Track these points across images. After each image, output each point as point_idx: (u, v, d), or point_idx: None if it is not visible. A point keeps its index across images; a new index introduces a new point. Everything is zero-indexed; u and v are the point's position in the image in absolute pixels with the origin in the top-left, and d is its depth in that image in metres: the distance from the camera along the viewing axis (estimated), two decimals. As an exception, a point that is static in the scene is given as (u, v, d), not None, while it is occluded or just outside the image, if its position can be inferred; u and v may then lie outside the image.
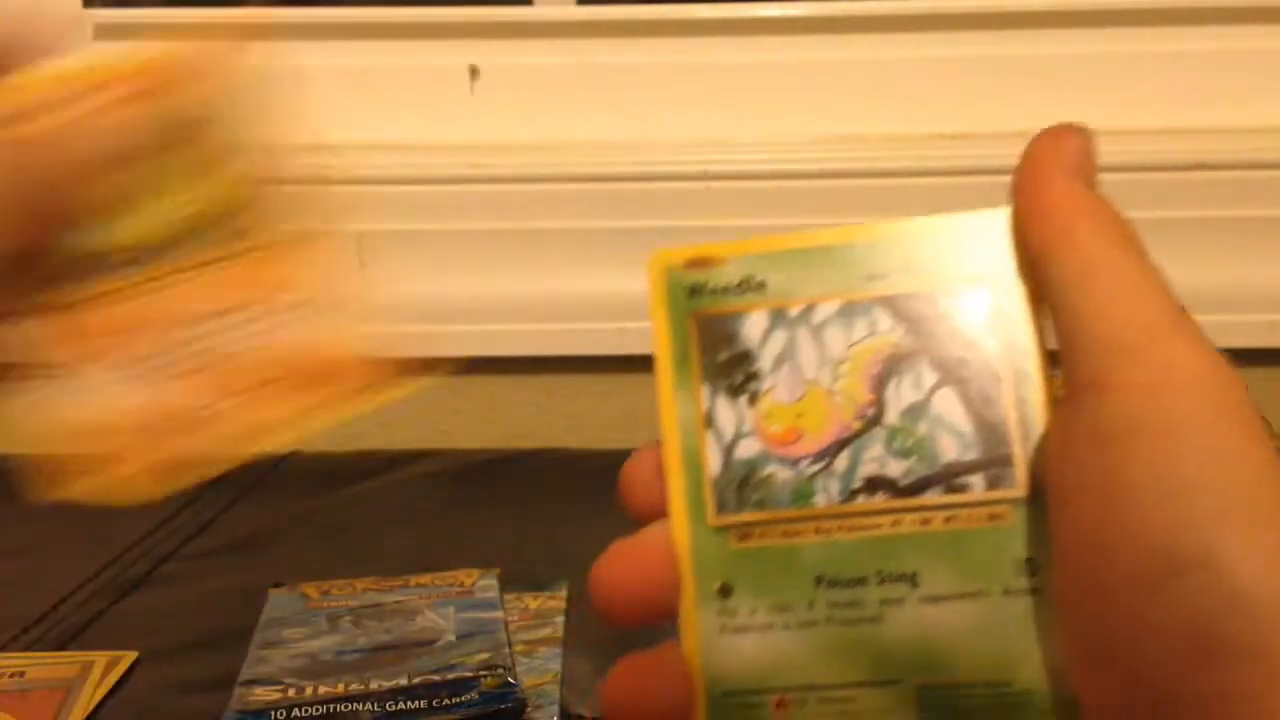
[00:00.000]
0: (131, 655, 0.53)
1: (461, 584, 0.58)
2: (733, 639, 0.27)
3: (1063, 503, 0.25)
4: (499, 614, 0.54)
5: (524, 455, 0.78)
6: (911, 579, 0.27)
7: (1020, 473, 0.27)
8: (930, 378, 0.27)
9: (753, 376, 0.28)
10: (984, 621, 0.26)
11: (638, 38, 0.88)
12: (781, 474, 0.27)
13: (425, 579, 0.58)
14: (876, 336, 0.28)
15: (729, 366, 0.28)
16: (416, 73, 0.87)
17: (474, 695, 0.47)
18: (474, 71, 0.88)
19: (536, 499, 0.71)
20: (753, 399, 0.28)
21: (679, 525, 0.28)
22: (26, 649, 0.54)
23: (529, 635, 0.53)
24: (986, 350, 0.27)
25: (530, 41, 0.88)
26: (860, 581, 0.27)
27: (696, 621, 0.27)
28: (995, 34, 0.86)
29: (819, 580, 0.27)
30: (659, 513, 0.28)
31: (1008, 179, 0.27)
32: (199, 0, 0.91)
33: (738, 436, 0.28)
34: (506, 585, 0.58)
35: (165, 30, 0.92)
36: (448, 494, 0.73)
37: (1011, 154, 0.27)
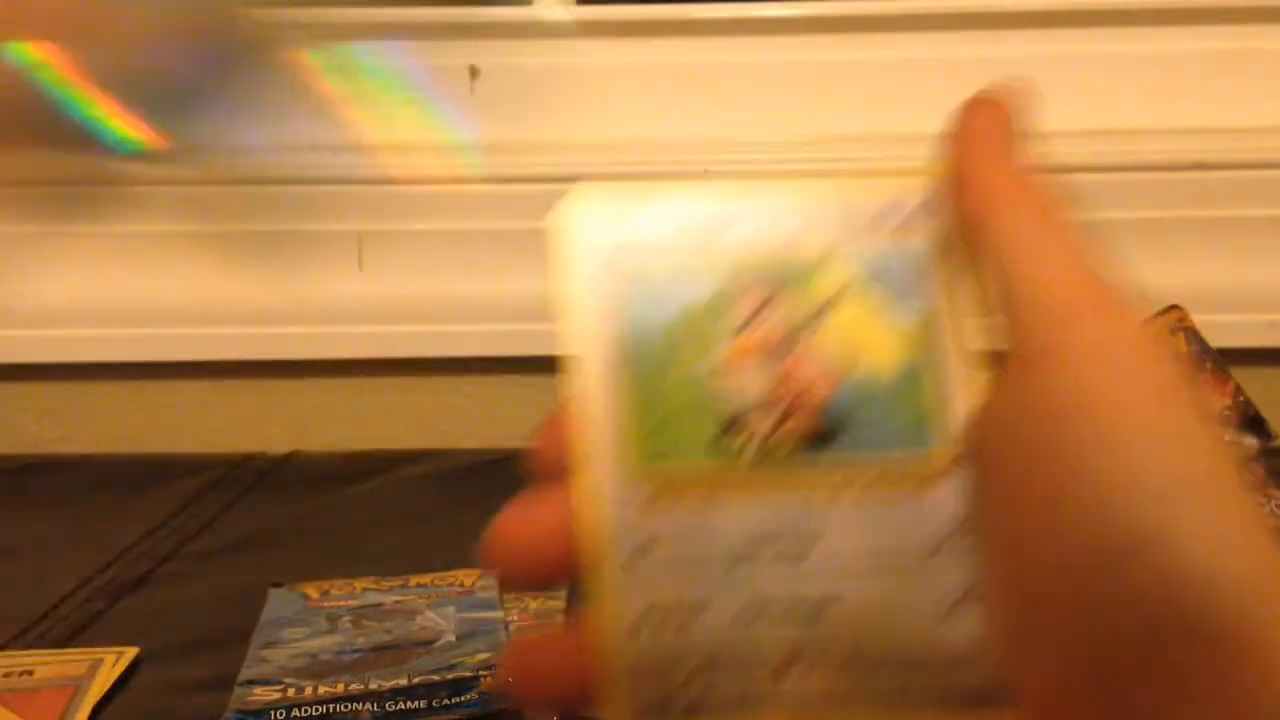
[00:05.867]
0: (133, 651, 0.53)
1: (461, 584, 0.58)
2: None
3: (996, 478, 0.24)
4: (499, 614, 0.54)
5: (524, 455, 0.78)
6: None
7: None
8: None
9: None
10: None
11: (638, 38, 0.88)
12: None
13: (425, 579, 0.58)
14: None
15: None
16: (416, 73, 0.87)
17: (474, 695, 0.47)
18: (474, 71, 0.88)
19: (536, 499, 0.71)
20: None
21: (588, 487, 0.26)
22: (27, 648, 0.54)
23: (529, 635, 0.53)
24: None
25: (530, 41, 0.88)
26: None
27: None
28: (996, 34, 0.86)
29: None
30: (565, 475, 0.27)
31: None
32: (199, 0, 0.91)
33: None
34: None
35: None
36: (448, 494, 0.73)
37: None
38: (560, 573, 0.26)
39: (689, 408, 0.26)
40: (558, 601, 0.56)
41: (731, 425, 0.26)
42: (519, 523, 0.27)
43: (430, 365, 0.84)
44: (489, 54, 0.88)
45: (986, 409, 0.25)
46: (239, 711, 0.46)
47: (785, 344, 0.27)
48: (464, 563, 0.60)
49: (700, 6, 0.87)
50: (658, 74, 0.87)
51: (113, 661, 0.52)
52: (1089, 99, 0.82)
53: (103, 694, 0.50)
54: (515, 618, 0.55)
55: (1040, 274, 0.24)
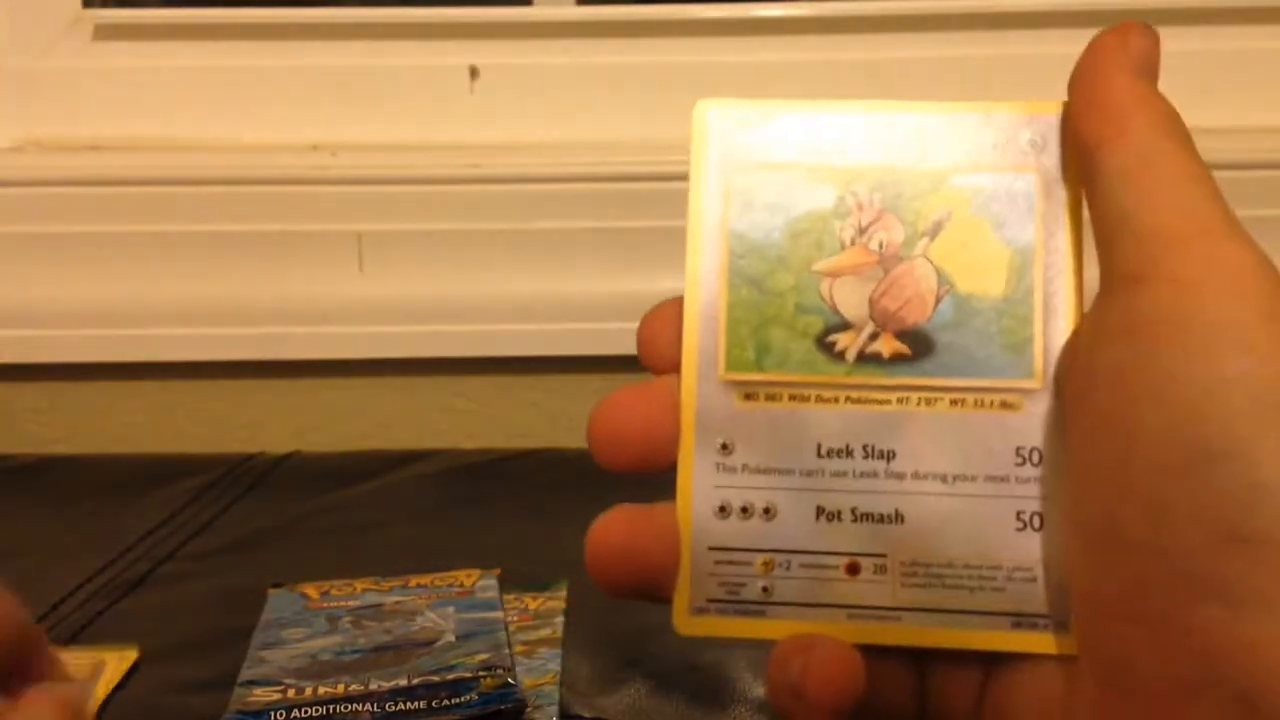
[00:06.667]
0: (133, 651, 0.53)
1: (461, 584, 0.58)
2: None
3: (1088, 389, 0.25)
4: (499, 614, 0.54)
5: (524, 455, 0.78)
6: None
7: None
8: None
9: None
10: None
11: (638, 38, 0.88)
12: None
13: (425, 579, 0.58)
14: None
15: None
16: (416, 73, 0.87)
17: (474, 695, 0.47)
18: (474, 71, 0.88)
19: (536, 499, 0.71)
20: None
21: (688, 377, 0.27)
22: (26, 649, 0.54)
23: (529, 635, 0.53)
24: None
25: (530, 41, 0.88)
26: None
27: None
28: (996, 34, 0.86)
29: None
30: (672, 367, 0.28)
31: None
32: (199, 0, 0.91)
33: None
34: (506, 585, 0.58)
35: (165, 30, 0.92)
36: (448, 494, 0.73)
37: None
38: (655, 456, 0.27)
39: (792, 313, 0.27)
40: (557, 601, 0.57)
41: (830, 334, 0.27)
42: (622, 405, 0.28)
43: (430, 365, 0.85)
44: (489, 54, 0.88)
45: (1082, 328, 0.26)
46: (239, 712, 0.46)
47: (891, 260, 0.27)
48: (464, 563, 0.60)
49: (700, 6, 0.87)
50: (658, 74, 0.87)
51: (113, 662, 0.52)
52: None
53: (103, 694, 0.50)
54: (515, 618, 0.55)
55: (1151, 199, 0.24)
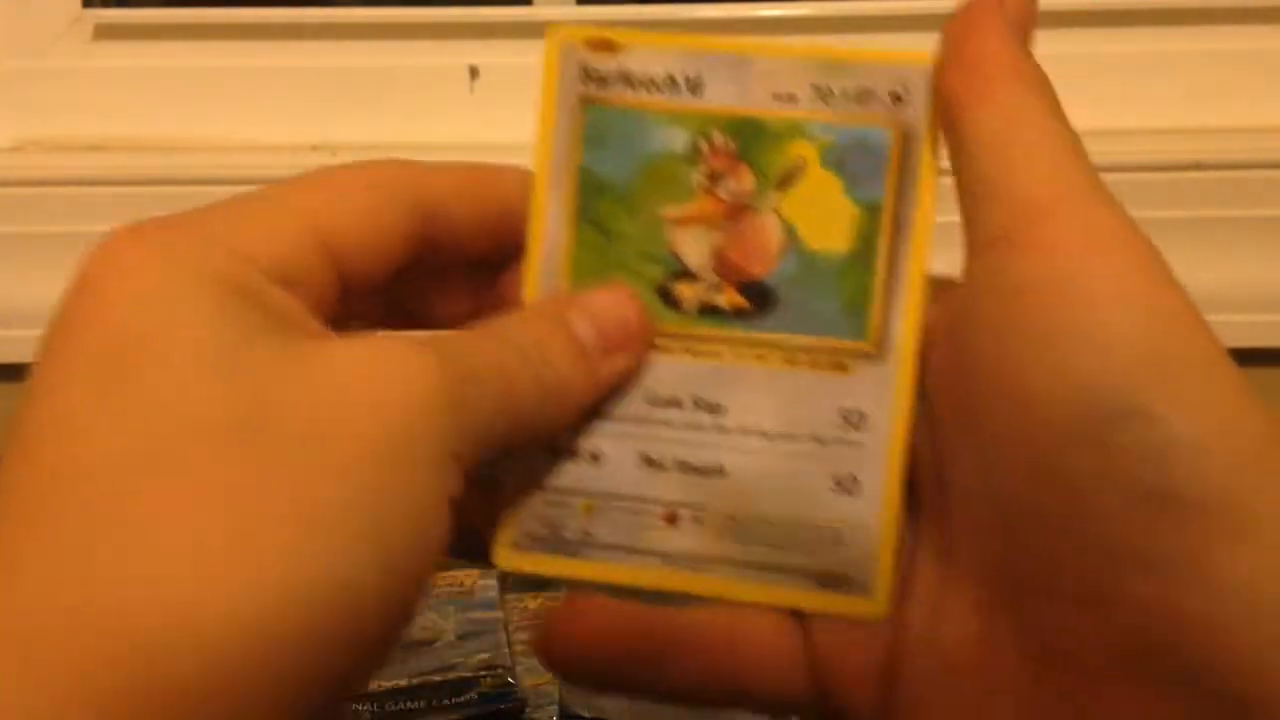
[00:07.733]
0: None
1: (461, 584, 0.58)
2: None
3: (965, 362, 0.24)
4: (499, 614, 0.54)
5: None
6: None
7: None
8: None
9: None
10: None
11: (638, 38, 0.88)
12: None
13: (425, 579, 0.58)
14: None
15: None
16: (416, 73, 0.87)
17: (473, 695, 0.47)
18: (474, 71, 0.88)
19: (536, 499, 0.71)
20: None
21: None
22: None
23: (529, 635, 0.53)
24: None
25: (530, 41, 0.88)
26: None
27: None
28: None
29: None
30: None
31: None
32: (199, 0, 0.91)
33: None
34: (506, 585, 0.58)
35: (165, 30, 0.91)
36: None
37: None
38: None
39: (635, 260, 0.27)
40: (558, 602, 0.56)
41: (671, 283, 0.27)
42: None
43: None
44: (489, 54, 0.88)
45: (949, 298, 0.25)
46: (239, 712, 0.46)
47: (739, 210, 0.27)
48: (464, 563, 0.60)
49: (700, 7, 0.87)
50: (658, 74, 0.87)
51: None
52: (1087, 99, 0.82)
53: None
54: (515, 618, 0.55)
55: (1016, 165, 0.23)
